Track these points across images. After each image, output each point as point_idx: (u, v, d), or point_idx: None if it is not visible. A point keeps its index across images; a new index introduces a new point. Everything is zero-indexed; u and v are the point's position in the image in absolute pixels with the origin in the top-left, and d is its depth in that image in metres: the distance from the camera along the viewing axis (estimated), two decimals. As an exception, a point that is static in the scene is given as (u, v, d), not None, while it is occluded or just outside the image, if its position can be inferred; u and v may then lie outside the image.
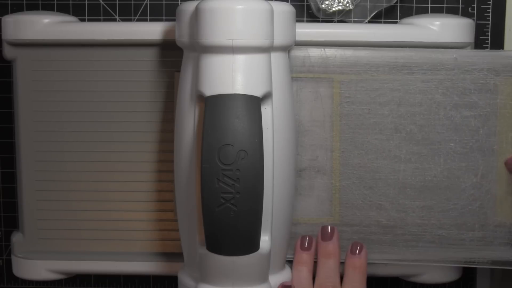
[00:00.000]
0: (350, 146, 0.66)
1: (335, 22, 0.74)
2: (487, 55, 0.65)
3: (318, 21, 0.74)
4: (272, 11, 0.58)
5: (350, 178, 0.67)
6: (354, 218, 0.66)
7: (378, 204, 0.67)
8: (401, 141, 0.66)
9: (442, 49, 0.65)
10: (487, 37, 0.74)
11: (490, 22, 0.74)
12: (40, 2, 0.74)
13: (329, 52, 0.65)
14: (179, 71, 0.63)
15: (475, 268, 0.77)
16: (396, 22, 0.73)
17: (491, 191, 0.66)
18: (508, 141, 0.66)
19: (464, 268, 0.72)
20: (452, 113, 0.65)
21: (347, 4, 0.73)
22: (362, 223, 0.67)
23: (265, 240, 0.60)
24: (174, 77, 0.67)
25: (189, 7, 0.59)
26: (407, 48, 0.65)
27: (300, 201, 0.67)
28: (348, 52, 0.65)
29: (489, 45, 0.74)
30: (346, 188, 0.67)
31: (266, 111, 0.59)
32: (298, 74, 0.66)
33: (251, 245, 0.57)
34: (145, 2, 0.74)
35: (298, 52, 0.65)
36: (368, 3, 0.74)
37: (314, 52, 0.65)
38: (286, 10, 0.60)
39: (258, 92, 0.57)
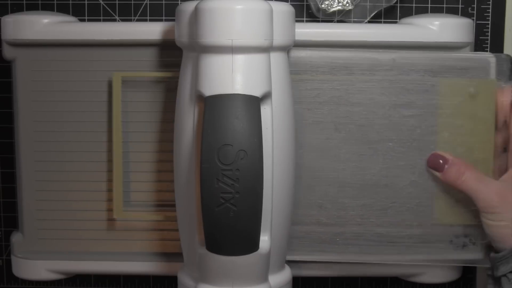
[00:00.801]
0: (292, 145, 0.66)
1: (335, 22, 0.74)
2: (424, 57, 0.66)
3: (318, 21, 0.74)
4: (271, 11, 0.58)
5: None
6: (295, 217, 0.66)
7: (318, 203, 0.67)
8: (340, 140, 0.66)
9: (381, 50, 0.66)
10: (487, 37, 0.74)
11: (490, 22, 0.74)
12: (40, 2, 0.74)
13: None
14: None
15: (475, 267, 0.77)
16: (396, 22, 0.73)
17: (428, 189, 0.67)
18: (445, 140, 0.66)
19: (464, 267, 0.73)
20: (391, 113, 0.66)
21: (347, 4, 0.73)
22: (302, 222, 0.67)
23: (264, 240, 0.60)
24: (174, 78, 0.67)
25: (188, 7, 0.59)
26: (346, 49, 0.66)
27: None
28: (297, 53, 0.66)
29: (489, 45, 0.74)
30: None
31: (265, 111, 0.59)
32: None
33: (251, 245, 0.57)
34: (145, 2, 0.74)
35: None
36: (368, 3, 0.74)
37: None
38: (285, 10, 0.60)
39: (257, 92, 0.57)
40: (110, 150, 0.69)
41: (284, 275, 0.64)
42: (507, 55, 0.66)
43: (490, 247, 0.67)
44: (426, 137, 0.66)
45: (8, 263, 0.76)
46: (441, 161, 0.66)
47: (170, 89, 0.68)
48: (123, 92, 0.68)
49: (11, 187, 0.75)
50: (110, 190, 0.69)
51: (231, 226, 0.56)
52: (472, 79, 0.66)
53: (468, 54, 0.67)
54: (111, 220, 0.70)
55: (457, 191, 0.66)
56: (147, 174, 0.69)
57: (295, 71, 0.65)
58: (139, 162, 0.69)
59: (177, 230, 0.65)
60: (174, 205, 0.64)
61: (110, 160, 0.69)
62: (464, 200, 0.66)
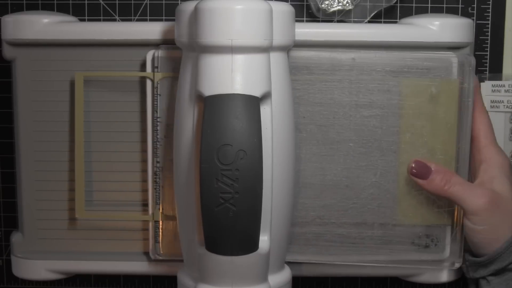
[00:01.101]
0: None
1: (335, 22, 0.74)
2: (385, 57, 0.65)
3: (318, 21, 0.74)
4: (271, 11, 0.58)
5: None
6: None
7: None
8: (301, 140, 0.66)
9: (340, 50, 0.66)
10: (487, 37, 0.74)
11: (490, 22, 0.74)
12: (40, 2, 0.74)
13: None
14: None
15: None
16: (396, 22, 0.73)
17: (390, 190, 0.67)
18: (407, 141, 0.66)
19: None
20: (352, 113, 0.66)
21: (347, 4, 0.73)
22: None
23: (264, 240, 0.60)
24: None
25: (188, 7, 0.59)
26: (306, 48, 0.66)
27: None
28: None
29: (489, 45, 0.74)
30: None
31: (265, 111, 0.59)
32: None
33: (250, 245, 0.57)
34: (145, 2, 0.74)
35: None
36: (368, 3, 0.74)
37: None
38: (285, 10, 0.60)
39: (257, 92, 0.57)
40: (110, 150, 0.69)
41: (284, 275, 0.64)
42: (469, 55, 0.66)
43: (466, 250, 0.68)
44: (387, 137, 0.66)
45: (8, 263, 0.76)
46: (425, 169, 0.66)
47: (130, 88, 0.68)
48: (89, 92, 0.68)
49: (11, 187, 0.75)
50: (109, 190, 0.69)
51: (230, 226, 0.56)
52: (433, 79, 0.65)
53: (430, 54, 0.66)
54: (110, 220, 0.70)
55: (440, 197, 0.66)
56: (146, 174, 0.69)
57: None
58: (138, 162, 0.69)
59: (135, 229, 0.64)
60: (140, 205, 0.64)
61: (109, 160, 0.69)
62: (426, 201, 0.66)
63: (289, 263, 0.66)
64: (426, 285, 0.73)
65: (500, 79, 0.74)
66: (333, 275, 0.74)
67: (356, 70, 0.65)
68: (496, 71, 0.75)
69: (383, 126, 0.66)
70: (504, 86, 0.73)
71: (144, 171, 0.69)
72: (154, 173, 0.68)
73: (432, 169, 0.66)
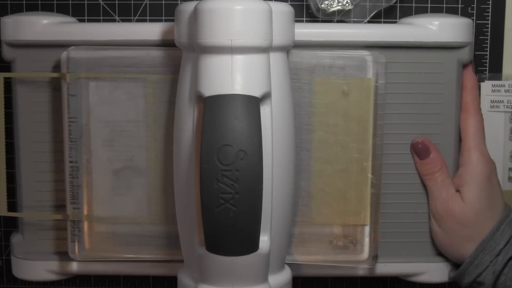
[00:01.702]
0: (166, 146, 0.67)
1: (334, 22, 0.74)
2: (298, 55, 0.65)
3: (318, 21, 0.74)
4: (270, 11, 0.58)
5: (166, 177, 0.67)
6: (173, 217, 0.66)
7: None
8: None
9: None
10: (486, 37, 0.74)
11: (489, 22, 0.74)
12: (39, 2, 0.74)
13: (142, 52, 0.66)
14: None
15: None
16: (395, 22, 0.73)
17: (305, 188, 0.67)
18: (321, 139, 0.66)
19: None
20: None
21: (347, 4, 0.73)
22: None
23: (264, 240, 0.60)
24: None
25: (188, 8, 0.59)
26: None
27: (118, 201, 0.68)
28: (159, 53, 0.66)
29: (488, 45, 0.74)
30: (163, 187, 0.67)
31: (265, 111, 0.59)
32: (110, 75, 0.66)
33: (251, 245, 0.57)
34: (145, 2, 0.74)
35: (115, 53, 0.66)
36: (368, 3, 0.74)
37: (128, 52, 0.66)
38: (284, 10, 0.60)
39: (257, 93, 0.57)
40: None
41: (284, 275, 0.64)
42: (381, 53, 0.66)
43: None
44: (301, 135, 0.66)
45: (8, 263, 0.76)
46: (426, 152, 0.66)
47: (57, 89, 0.68)
48: (28, 92, 0.68)
49: (11, 187, 0.75)
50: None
51: (230, 226, 0.56)
52: (345, 77, 0.65)
53: (344, 52, 0.66)
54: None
55: None
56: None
57: (168, 71, 0.66)
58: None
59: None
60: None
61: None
62: (342, 200, 0.67)
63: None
64: (426, 285, 0.73)
65: (500, 79, 0.74)
66: (333, 276, 0.74)
67: None
68: (496, 71, 0.75)
69: (297, 124, 0.65)
70: (504, 86, 0.73)
71: (61, 171, 0.69)
72: (70, 174, 0.67)
73: (430, 156, 0.66)
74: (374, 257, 0.68)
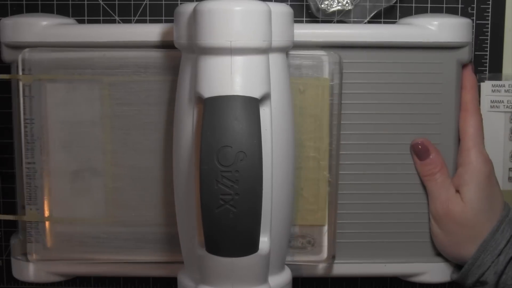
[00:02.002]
0: (122, 147, 0.67)
1: (334, 22, 0.74)
2: None
3: (318, 21, 0.74)
4: (270, 12, 0.58)
5: (123, 179, 0.67)
6: (129, 219, 0.67)
7: (152, 203, 0.68)
8: (172, 140, 0.66)
9: None
10: (486, 37, 0.74)
11: (489, 22, 0.74)
12: (39, 2, 0.74)
13: (97, 53, 0.66)
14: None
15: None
16: (395, 22, 0.73)
17: None
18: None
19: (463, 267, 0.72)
20: None
21: (347, 4, 0.73)
22: (137, 223, 0.68)
23: (264, 241, 0.60)
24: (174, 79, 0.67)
25: (187, 9, 0.59)
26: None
27: (77, 202, 0.68)
28: (115, 54, 0.66)
29: (488, 45, 0.74)
30: (120, 188, 0.68)
31: (264, 112, 0.59)
32: (65, 76, 0.66)
33: (251, 246, 0.57)
34: (145, 2, 0.74)
35: (72, 54, 0.66)
36: (368, 3, 0.73)
37: (85, 54, 0.66)
38: (284, 11, 0.60)
39: (256, 94, 0.57)
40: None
41: (284, 276, 0.64)
42: (336, 53, 0.66)
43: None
44: None
45: (8, 263, 0.76)
46: (426, 153, 0.67)
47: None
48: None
49: (11, 188, 0.75)
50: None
51: (230, 227, 0.56)
52: (301, 77, 0.65)
53: (301, 52, 0.66)
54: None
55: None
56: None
57: (124, 73, 0.66)
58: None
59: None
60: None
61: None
62: (300, 200, 0.67)
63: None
64: (426, 285, 0.73)
65: (500, 79, 0.74)
66: (333, 276, 0.74)
67: None
68: (496, 71, 0.75)
69: None
70: (504, 86, 0.73)
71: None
72: (27, 175, 0.68)
73: (430, 156, 0.66)
74: (333, 257, 0.68)
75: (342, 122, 0.67)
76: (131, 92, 0.66)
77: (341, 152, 0.67)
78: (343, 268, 0.70)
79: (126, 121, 0.67)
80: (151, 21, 0.74)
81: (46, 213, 0.68)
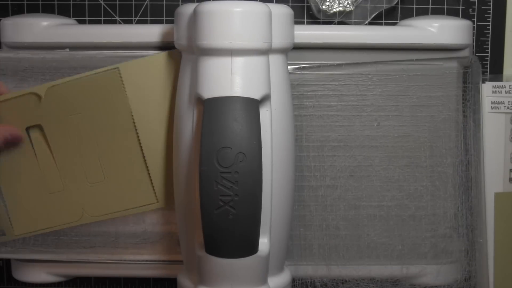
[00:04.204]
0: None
1: (335, 23, 0.73)
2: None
3: (319, 22, 0.74)
4: (270, 13, 0.58)
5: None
6: (129, 218, 0.68)
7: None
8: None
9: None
10: (487, 38, 0.74)
11: (490, 23, 0.74)
12: (40, 3, 0.74)
13: (97, 54, 0.66)
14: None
15: (475, 269, 0.76)
16: (396, 24, 0.73)
17: None
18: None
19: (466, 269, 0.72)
20: None
21: (348, 5, 0.73)
22: (137, 223, 0.69)
23: (264, 242, 0.60)
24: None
25: (187, 10, 0.59)
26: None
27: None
28: (115, 54, 0.66)
29: (489, 47, 0.74)
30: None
31: (264, 113, 0.59)
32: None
33: (250, 247, 0.57)
34: (146, 3, 0.74)
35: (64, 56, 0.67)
36: (369, 4, 0.73)
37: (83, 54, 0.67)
38: (284, 12, 0.60)
39: (256, 95, 0.57)
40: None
41: (284, 278, 0.64)
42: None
43: None
44: None
45: (8, 263, 0.76)
46: None
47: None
48: None
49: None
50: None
51: (230, 228, 0.56)
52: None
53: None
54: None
55: None
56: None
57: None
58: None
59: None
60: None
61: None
62: None
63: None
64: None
65: (500, 80, 0.74)
66: (333, 276, 0.74)
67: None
68: (496, 72, 0.74)
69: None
70: (504, 87, 0.73)
71: None
72: None
73: None
74: None
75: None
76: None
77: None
78: (344, 269, 0.70)
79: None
80: (152, 22, 0.74)
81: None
